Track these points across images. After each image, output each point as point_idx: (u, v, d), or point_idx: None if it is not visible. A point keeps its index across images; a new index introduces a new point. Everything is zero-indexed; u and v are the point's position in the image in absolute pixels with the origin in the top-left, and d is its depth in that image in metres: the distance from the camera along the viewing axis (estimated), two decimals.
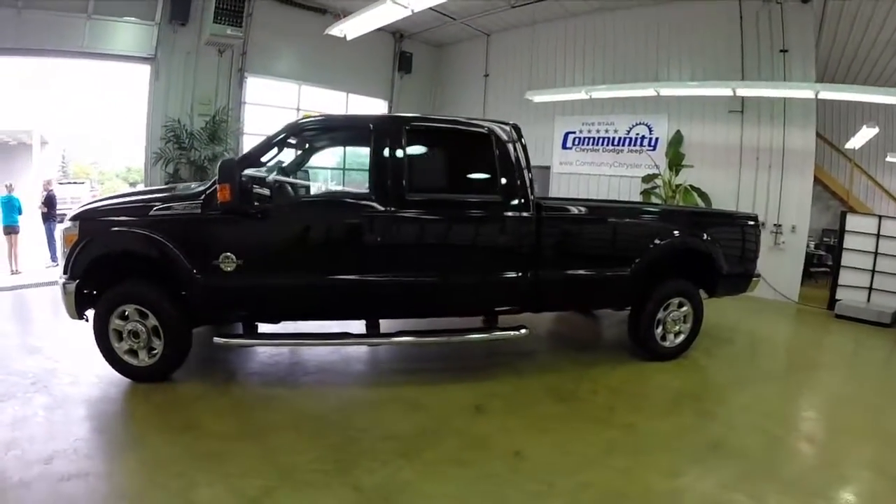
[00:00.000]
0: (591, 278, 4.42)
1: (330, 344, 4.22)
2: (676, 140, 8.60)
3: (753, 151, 7.97)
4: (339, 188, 5.25)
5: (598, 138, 9.71)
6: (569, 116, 10.17)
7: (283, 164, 4.58)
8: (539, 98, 9.31)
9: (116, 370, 3.69)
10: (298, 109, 10.80)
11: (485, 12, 10.12)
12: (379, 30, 11.23)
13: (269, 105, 10.36)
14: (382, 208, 3.76)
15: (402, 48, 11.92)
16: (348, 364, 4.48)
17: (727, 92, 7.15)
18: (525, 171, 4.13)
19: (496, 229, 4.08)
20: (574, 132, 10.10)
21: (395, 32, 11.76)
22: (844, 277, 7.26)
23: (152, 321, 3.61)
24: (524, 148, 4.20)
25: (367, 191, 3.86)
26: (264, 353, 4.53)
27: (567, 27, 10.10)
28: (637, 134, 9.20)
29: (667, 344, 4.83)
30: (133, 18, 8.54)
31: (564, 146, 10.27)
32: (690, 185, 8.26)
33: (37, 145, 17.68)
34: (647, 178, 8.67)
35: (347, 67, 11.11)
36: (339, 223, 3.81)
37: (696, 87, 7.40)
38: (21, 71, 10.02)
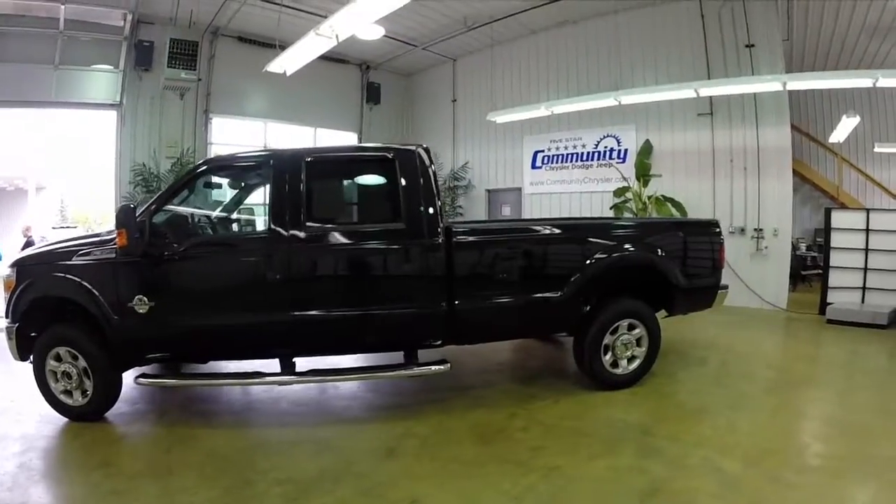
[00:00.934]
0: (516, 305, 3.98)
1: (241, 384, 4.22)
2: (645, 150, 8.21)
3: (726, 154, 7.53)
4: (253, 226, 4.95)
5: (567, 155, 9.36)
6: (536, 135, 9.86)
7: (201, 205, 4.50)
8: (501, 118, 9.02)
9: (55, 409, 3.77)
10: (265, 147, 10.68)
11: (443, 37, 10.01)
12: (344, 62, 11.35)
13: (235, 144, 10.24)
14: (280, 244, 3.62)
15: (369, 79, 11.83)
16: (276, 403, 4.25)
17: (689, 94, 6.76)
18: (434, 197, 3.83)
19: (402, 259, 3.80)
20: (543, 151, 9.78)
21: (362, 64, 11.71)
22: (835, 279, 6.70)
23: (82, 363, 3.66)
24: (433, 173, 3.91)
25: (266, 227, 3.71)
26: (201, 392, 4.41)
27: (528, 45, 9.92)
28: (605, 147, 8.83)
29: (619, 371, 4.33)
30: (99, 67, 8.68)
31: (534, 166, 9.93)
32: (663, 196, 7.80)
33: (32, 191, 18.00)
34: (619, 192, 8.23)
35: (314, 102, 11.06)
36: (240, 262, 3.74)
37: (657, 92, 7.01)
38: (14, 120, 9.93)
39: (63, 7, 7.65)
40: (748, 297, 7.38)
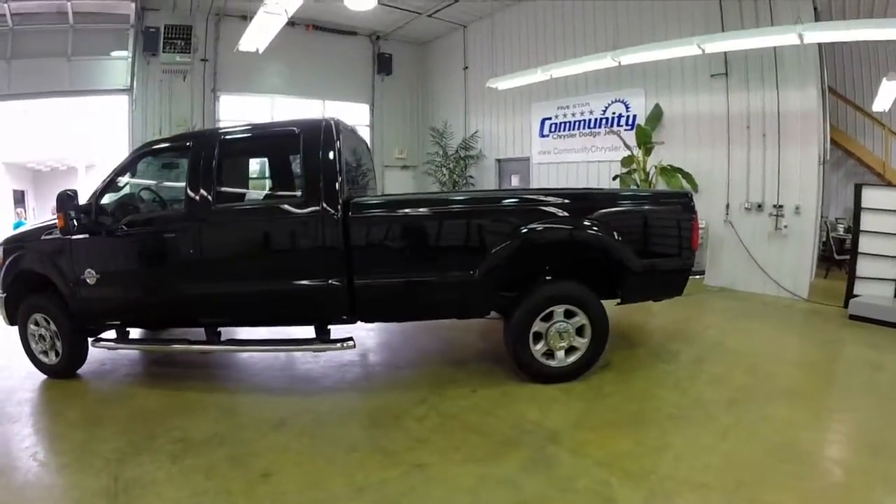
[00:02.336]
0: (421, 284, 3.70)
1: (168, 350, 4.46)
2: (655, 115, 7.38)
3: (743, 120, 6.60)
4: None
5: (574, 122, 8.62)
6: (544, 102, 9.16)
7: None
8: (501, 85, 8.42)
9: (36, 367, 4.28)
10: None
11: (446, 3, 9.39)
12: (353, 34, 11.01)
13: (243, 120, 10.24)
14: (193, 220, 3.78)
15: (380, 49, 11.44)
16: (219, 369, 4.46)
17: (693, 51, 5.92)
18: (335, 170, 3.68)
19: (301, 232, 3.73)
20: (550, 118, 9.07)
21: (372, 34, 11.34)
22: (864, 267, 5.74)
23: (53, 327, 4.10)
24: (338, 147, 3.74)
25: (182, 205, 3.91)
26: (163, 357, 4.69)
27: (534, 7, 9.20)
28: (613, 113, 8.03)
29: (553, 363, 3.87)
30: (109, 55, 8.99)
31: (542, 134, 9.25)
32: (670, 166, 7.00)
33: (82, 169, 19.15)
34: (626, 161, 7.45)
35: (323, 75, 10.92)
36: (159, 238, 3.92)
37: (658, 49, 6.19)
38: (58, 105, 10.44)
39: (69, 3, 8.05)
40: (763, 282, 6.53)
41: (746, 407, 3.51)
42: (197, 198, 3.78)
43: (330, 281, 3.64)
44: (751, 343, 4.93)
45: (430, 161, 11.13)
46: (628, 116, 7.81)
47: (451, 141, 11.03)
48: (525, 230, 3.68)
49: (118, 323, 4.15)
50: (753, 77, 6.42)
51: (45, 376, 4.25)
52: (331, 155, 3.71)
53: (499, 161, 10.48)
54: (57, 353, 4.16)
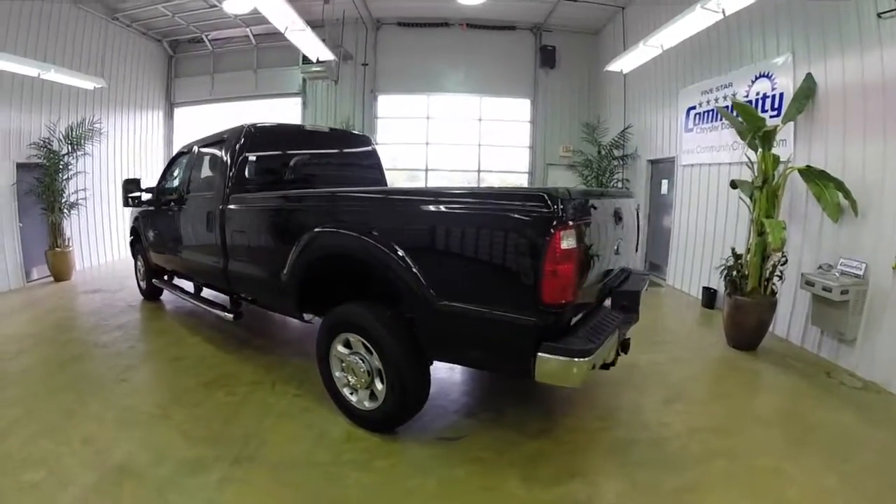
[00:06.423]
0: (254, 277, 4.02)
1: (177, 295, 5.63)
2: (804, 92, 4.91)
3: None
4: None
5: (717, 110, 6.40)
6: (690, 86, 7.10)
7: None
8: (625, 67, 7.06)
9: (139, 290, 6.76)
10: (428, 118, 11.16)
11: None
12: (513, 28, 10.70)
13: (400, 117, 11.29)
14: (179, 203, 5.00)
15: (542, 42, 10.69)
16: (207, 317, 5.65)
17: None
18: (227, 168, 4.25)
19: (211, 220, 4.37)
20: (695, 107, 6.95)
21: (533, 27, 10.72)
22: None
23: (142, 265, 6.54)
24: (236, 150, 4.27)
25: (178, 193, 5.16)
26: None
27: None
28: (758, 94, 5.65)
29: (354, 401, 3.21)
30: (285, 66, 11.06)
31: (687, 128, 7.18)
32: (808, 167, 4.60)
33: None
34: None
35: (481, 71, 10.97)
36: (168, 214, 5.28)
37: None
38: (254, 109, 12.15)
39: (249, 29, 10.58)
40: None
41: None
42: (183, 187, 5.03)
43: (219, 262, 4.31)
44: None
45: (580, 161, 9.90)
46: (773, 97, 5.41)
47: (605, 138, 9.55)
48: (312, 235, 3.38)
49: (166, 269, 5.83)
50: None
51: (141, 297, 6.61)
52: (228, 157, 4.28)
53: (651, 162, 8.59)
54: (146, 282, 6.36)
